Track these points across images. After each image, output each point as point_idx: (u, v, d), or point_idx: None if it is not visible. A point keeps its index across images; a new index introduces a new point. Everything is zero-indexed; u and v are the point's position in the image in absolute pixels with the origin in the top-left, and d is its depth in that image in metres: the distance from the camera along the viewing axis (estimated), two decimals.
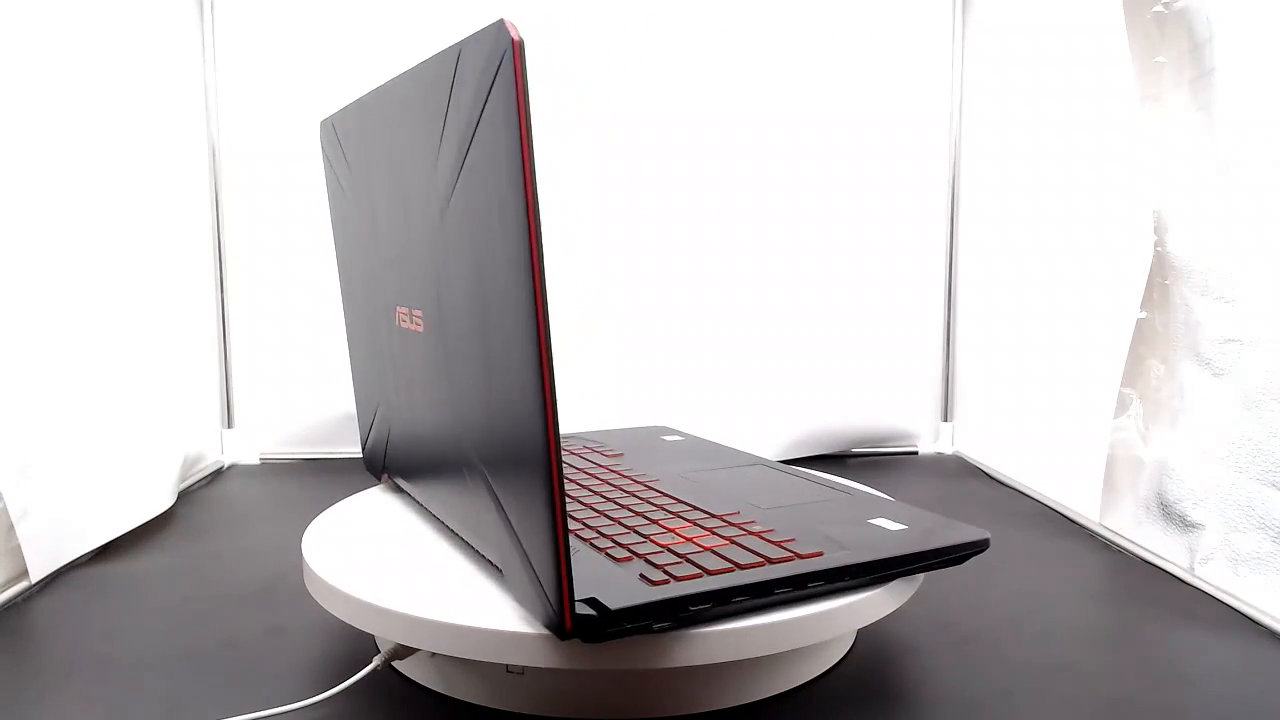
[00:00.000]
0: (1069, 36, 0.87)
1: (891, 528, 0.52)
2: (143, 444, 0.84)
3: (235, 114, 1.05)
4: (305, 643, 0.58)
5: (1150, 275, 0.73)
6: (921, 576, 0.52)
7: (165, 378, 0.92)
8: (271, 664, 0.55)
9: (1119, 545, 0.76)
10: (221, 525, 0.84)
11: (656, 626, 0.42)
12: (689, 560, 0.47)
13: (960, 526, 0.53)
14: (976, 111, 1.07)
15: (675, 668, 0.44)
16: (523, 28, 1.04)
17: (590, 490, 0.62)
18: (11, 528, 0.66)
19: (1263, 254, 0.63)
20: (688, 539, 0.50)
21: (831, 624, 0.46)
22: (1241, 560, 0.64)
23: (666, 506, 0.57)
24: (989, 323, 1.05)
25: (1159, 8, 0.70)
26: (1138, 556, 0.74)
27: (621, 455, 0.69)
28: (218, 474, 1.03)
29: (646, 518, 0.55)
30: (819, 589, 0.46)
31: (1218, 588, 0.65)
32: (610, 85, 1.05)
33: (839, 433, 1.11)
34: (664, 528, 0.52)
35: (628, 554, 0.48)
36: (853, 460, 1.10)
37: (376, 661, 0.48)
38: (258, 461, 1.09)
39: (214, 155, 1.05)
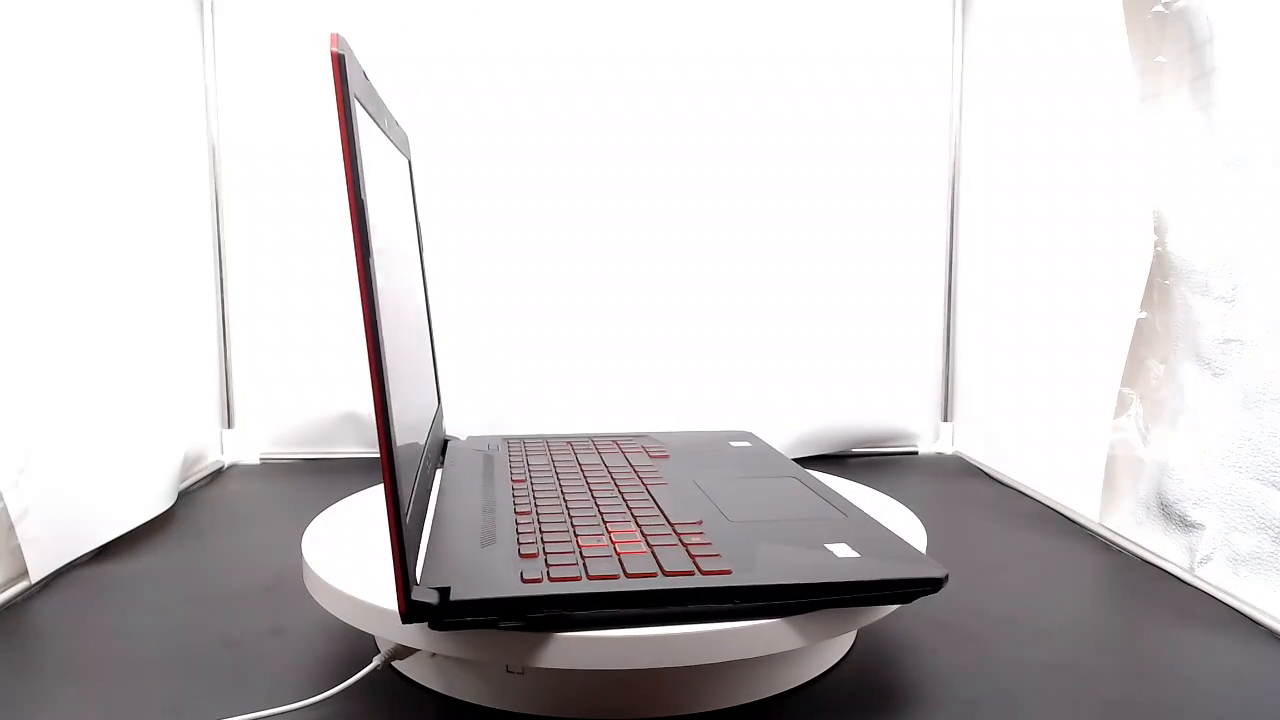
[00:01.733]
0: (1069, 36, 0.87)
1: (840, 555, 0.48)
2: (143, 444, 0.84)
3: (235, 114, 1.05)
4: (305, 643, 0.58)
5: (1150, 275, 0.73)
6: (879, 611, 0.48)
7: (165, 377, 0.92)
8: (271, 664, 0.55)
9: (1119, 545, 0.76)
10: (221, 525, 0.84)
11: (503, 624, 0.42)
12: (587, 562, 0.46)
13: (921, 562, 0.47)
14: (976, 111, 1.08)
15: (676, 668, 0.44)
16: (481, 25, 1.04)
17: (581, 486, 0.61)
18: (11, 528, 0.66)
19: (1263, 254, 0.63)
20: (615, 543, 0.49)
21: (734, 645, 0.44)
22: (1241, 560, 0.64)
23: (634, 508, 0.55)
24: (989, 323, 1.05)
25: (1159, 8, 0.70)
26: (1138, 556, 0.74)
27: (667, 457, 0.69)
28: (218, 474, 1.03)
29: (603, 517, 0.53)
30: (701, 609, 0.43)
31: (1218, 588, 0.65)
32: (609, 83, 1.05)
33: (839, 433, 1.11)
34: (607, 529, 0.51)
35: (536, 550, 0.48)
36: (853, 460, 1.10)
37: (376, 661, 0.48)
38: (258, 461, 1.09)
39: (214, 155, 1.05)
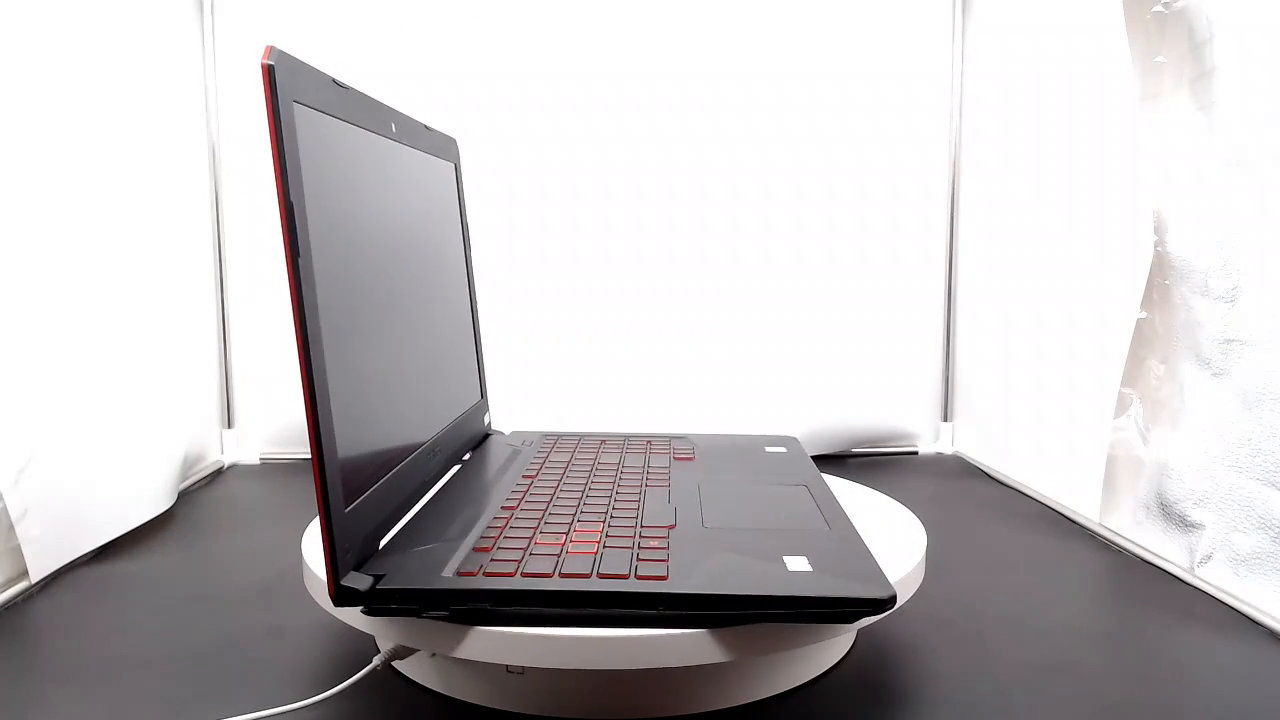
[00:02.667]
0: (1069, 37, 0.87)
1: (791, 569, 0.46)
2: (143, 444, 0.84)
3: (235, 114, 1.05)
4: (305, 643, 0.58)
5: (1150, 275, 0.73)
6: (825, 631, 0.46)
7: (165, 378, 0.92)
8: (271, 664, 0.55)
9: (1119, 545, 0.76)
10: (221, 525, 0.83)
11: (425, 614, 0.43)
12: (529, 560, 0.46)
13: (871, 582, 0.44)
14: (976, 113, 1.08)
15: (675, 668, 0.44)
16: (501, 25, 1.04)
17: (581, 485, 0.62)
18: (11, 528, 0.66)
19: (1263, 254, 0.63)
20: (572, 542, 0.49)
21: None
22: (1241, 560, 0.64)
23: (616, 509, 0.55)
24: (989, 323, 1.05)
25: (1159, 8, 0.70)
26: (1138, 556, 0.74)
27: (690, 460, 0.68)
28: (218, 474, 1.03)
29: (577, 517, 0.54)
30: (624, 613, 0.43)
31: (1218, 588, 0.65)
32: (607, 84, 1.05)
33: (839, 433, 1.11)
34: (572, 528, 0.52)
35: (490, 545, 0.49)
36: (853, 460, 1.10)
37: (376, 661, 0.48)
38: (258, 461, 1.09)
39: (214, 155, 1.05)
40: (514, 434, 0.78)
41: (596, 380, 1.08)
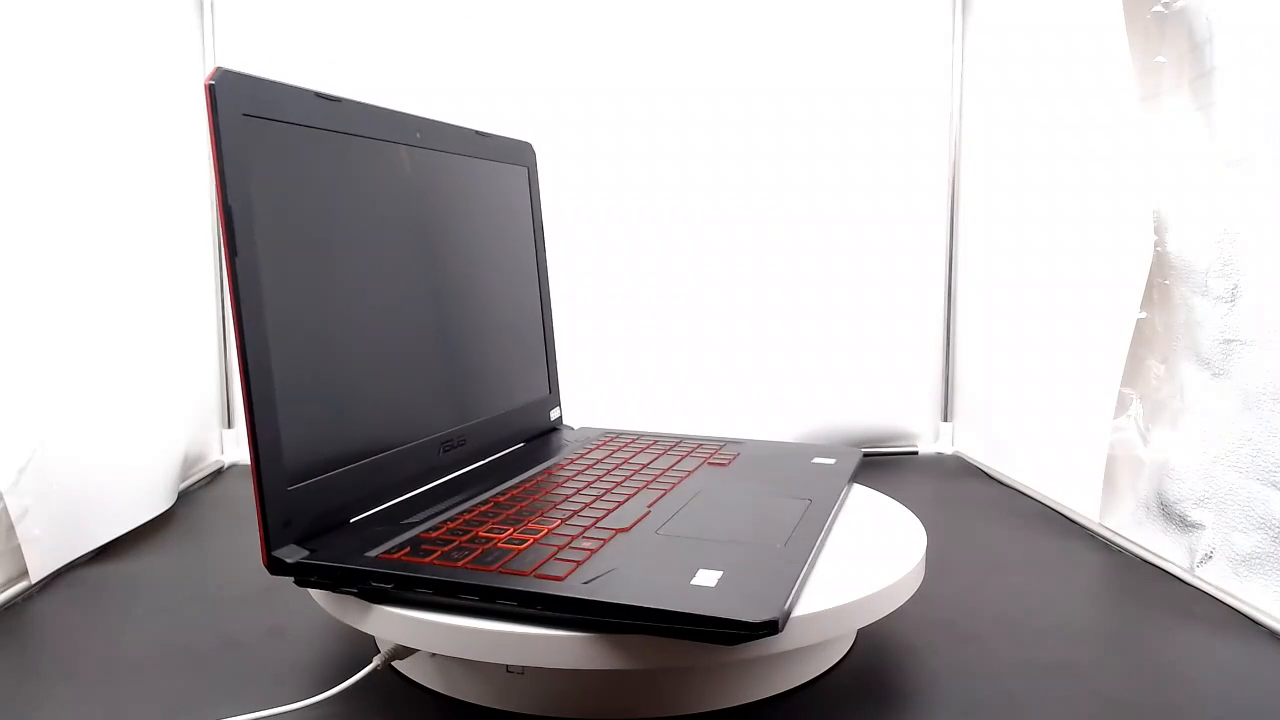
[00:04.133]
0: (1069, 36, 0.87)
1: (693, 582, 0.44)
2: (143, 444, 0.84)
3: None
4: (305, 643, 0.58)
5: (1150, 275, 0.73)
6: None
7: (165, 378, 0.92)
8: (271, 664, 0.55)
9: (1119, 545, 0.76)
10: (221, 525, 0.83)
11: (341, 589, 0.47)
12: (456, 549, 0.49)
13: (762, 604, 0.42)
14: (976, 111, 1.08)
15: (675, 668, 0.44)
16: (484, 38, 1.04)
17: (584, 482, 0.62)
18: (11, 528, 0.66)
19: (1263, 254, 0.63)
20: (512, 534, 0.51)
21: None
22: (1241, 560, 0.64)
23: (587, 508, 0.56)
24: (989, 323, 1.05)
25: (1159, 8, 0.70)
26: (1138, 556, 0.74)
27: (723, 465, 0.67)
28: (218, 474, 1.03)
29: (541, 511, 0.55)
30: (502, 607, 0.44)
31: (1218, 588, 0.65)
32: (608, 88, 1.05)
33: (839, 433, 1.11)
34: (526, 522, 0.53)
35: (439, 530, 0.51)
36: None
37: (376, 661, 0.48)
38: None
39: None
40: (581, 429, 0.79)
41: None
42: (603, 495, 0.59)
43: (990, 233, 1.05)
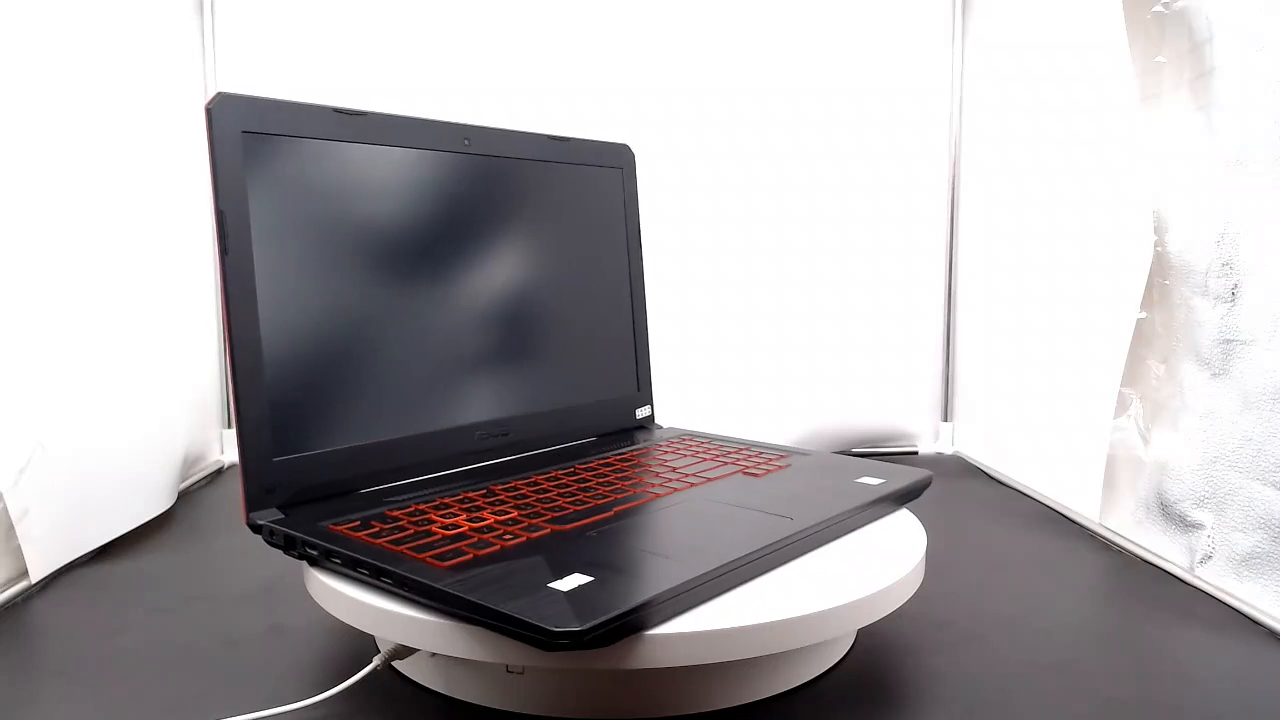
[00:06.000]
0: (1069, 36, 0.87)
1: (556, 584, 0.44)
2: (143, 444, 0.84)
3: None
4: (305, 643, 0.58)
5: (1150, 275, 0.73)
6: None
7: (165, 378, 0.92)
8: (271, 664, 0.55)
9: (1119, 545, 0.76)
10: (221, 525, 0.84)
11: (289, 552, 0.51)
12: (401, 531, 0.51)
13: (580, 614, 0.41)
14: (976, 111, 1.08)
15: (675, 668, 0.44)
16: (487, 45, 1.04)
17: (593, 478, 0.62)
18: (11, 528, 0.66)
19: (1263, 254, 0.63)
20: (459, 523, 0.52)
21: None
22: (1241, 560, 0.64)
23: (558, 504, 0.56)
24: (989, 323, 1.05)
25: (1159, 8, 0.70)
26: (1138, 556, 0.74)
27: (758, 476, 0.64)
28: (218, 474, 1.03)
29: (514, 504, 0.56)
30: (387, 586, 0.47)
31: (1218, 588, 0.65)
32: (601, 81, 1.05)
33: (839, 433, 1.11)
34: (487, 512, 0.54)
35: (402, 510, 0.54)
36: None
37: (376, 661, 0.48)
38: None
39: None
40: (667, 429, 0.78)
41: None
42: (596, 493, 0.59)
43: (990, 233, 1.05)
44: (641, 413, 0.78)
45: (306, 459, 0.55)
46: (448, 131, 0.63)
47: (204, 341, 1.05)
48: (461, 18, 1.04)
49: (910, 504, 0.64)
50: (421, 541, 0.49)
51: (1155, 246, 0.73)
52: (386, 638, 0.47)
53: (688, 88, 1.06)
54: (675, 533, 0.52)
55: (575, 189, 0.72)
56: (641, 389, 0.78)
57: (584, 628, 0.39)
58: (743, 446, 0.74)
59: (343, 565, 0.48)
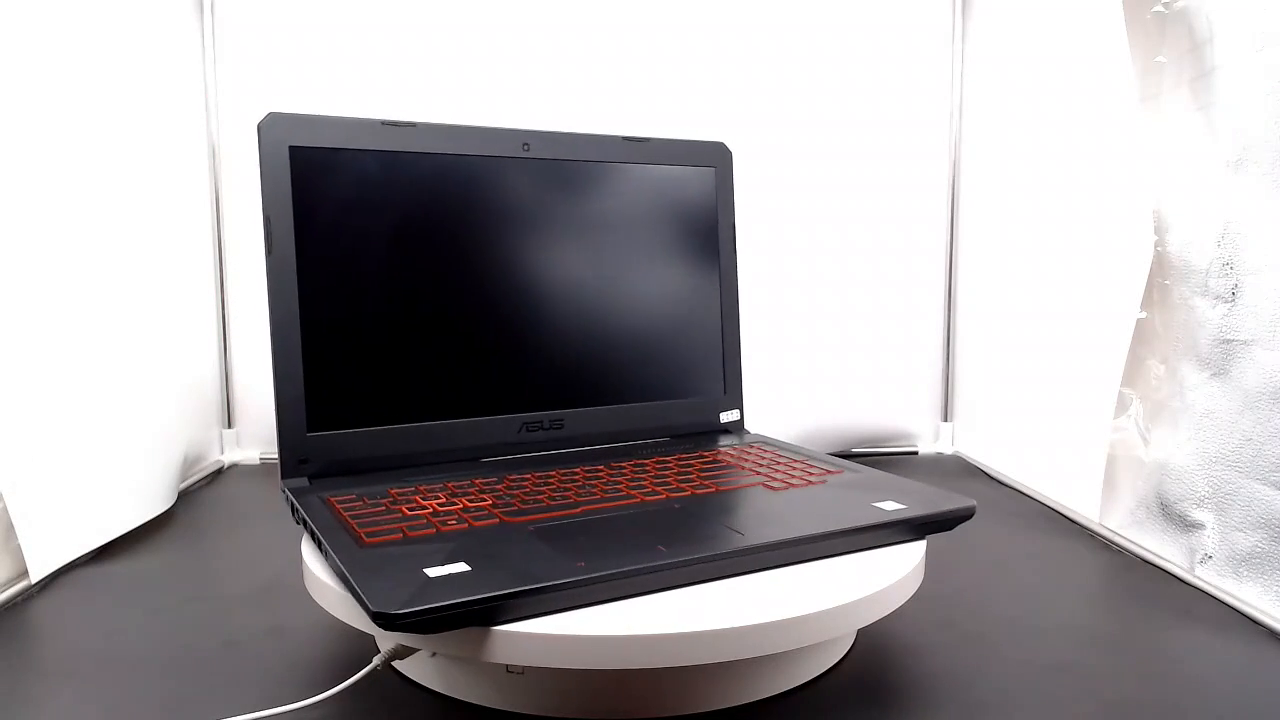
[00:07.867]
0: (1069, 37, 0.87)
1: (431, 570, 0.45)
2: (143, 444, 0.84)
3: (235, 114, 1.05)
4: (305, 643, 0.58)
5: (1150, 275, 0.73)
6: None
7: (165, 378, 0.92)
8: (271, 664, 0.55)
9: (1119, 545, 0.76)
10: (221, 525, 0.84)
11: (295, 518, 0.56)
12: (376, 503, 0.55)
13: (406, 598, 0.42)
14: (976, 111, 1.08)
15: (675, 668, 0.44)
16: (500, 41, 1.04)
17: (616, 479, 0.61)
18: (11, 528, 0.66)
19: (1263, 254, 0.63)
20: (439, 507, 0.55)
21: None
22: (1241, 560, 0.64)
23: (541, 495, 0.57)
24: (989, 323, 1.05)
25: (1159, 8, 0.70)
26: (1138, 556, 0.74)
27: (777, 490, 0.60)
28: (218, 474, 1.03)
29: (520, 497, 0.57)
30: (325, 552, 0.49)
31: (1218, 588, 0.65)
32: (602, 86, 1.05)
33: (839, 433, 1.11)
34: (463, 497, 0.57)
35: (408, 490, 0.58)
36: (854, 461, 1.10)
37: (376, 661, 0.48)
38: (258, 461, 1.09)
39: (214, 155, 1.05)
40: (751, 435, 0.76)
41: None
42: (592, 492, 0.58)
43: (990, 233, 1.05)
44: (727, 416, 0.76)
45: (340, 436, 0.61)
46: (502, 137, 0.66)
47: (204, 342, 1.05)
48: (459, 18, 1.04)
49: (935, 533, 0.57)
50: (383, 520, 0.52)
51: (1155, 246, 0.73)
52: (386, 638, 0.47)
53: (688, 88, 1.06)
54: (600, 537, 0.51)
55: (654, 189, 0.72)
56: (729, 392, 0.76)
57: (400, 611, 0.41)
58: (795, 459, 0.68)
59: (305, 529, 0.53)
